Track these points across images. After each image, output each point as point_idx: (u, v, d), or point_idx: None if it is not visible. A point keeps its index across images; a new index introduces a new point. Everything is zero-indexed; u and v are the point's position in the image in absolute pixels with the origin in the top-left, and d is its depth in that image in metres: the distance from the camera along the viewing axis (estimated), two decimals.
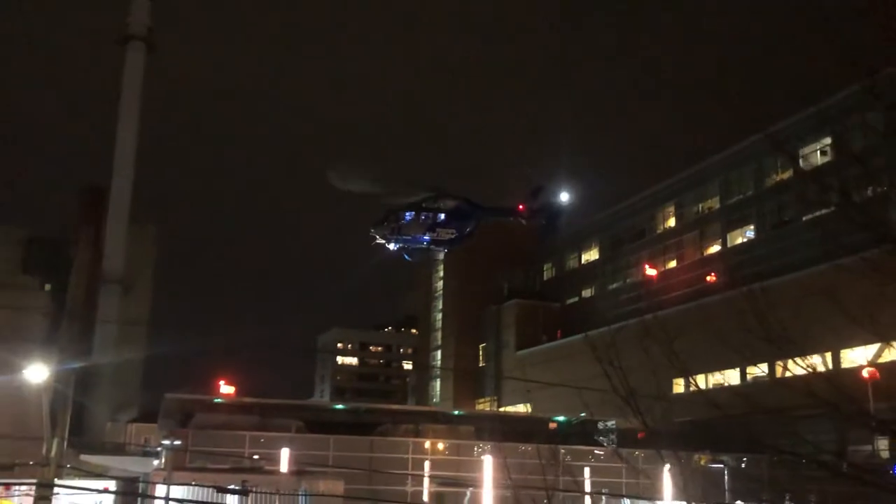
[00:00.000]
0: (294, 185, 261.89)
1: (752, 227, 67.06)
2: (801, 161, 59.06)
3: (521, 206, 35.42)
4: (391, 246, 28.81)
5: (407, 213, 28.64)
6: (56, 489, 12.15)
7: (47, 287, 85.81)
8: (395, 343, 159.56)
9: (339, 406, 67.02)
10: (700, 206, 73.72)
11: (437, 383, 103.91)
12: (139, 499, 46.96)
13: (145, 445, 59.55)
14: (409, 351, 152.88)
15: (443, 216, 29.02)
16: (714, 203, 71.81)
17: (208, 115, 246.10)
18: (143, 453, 55.84)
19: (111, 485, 45.43)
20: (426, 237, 28.58)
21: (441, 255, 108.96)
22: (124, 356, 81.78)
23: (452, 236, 28.96)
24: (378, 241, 28.49)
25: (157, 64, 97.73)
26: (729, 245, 68.74)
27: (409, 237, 28.71)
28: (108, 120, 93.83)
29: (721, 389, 48.72)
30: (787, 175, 63.00)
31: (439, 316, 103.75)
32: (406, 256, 30.30)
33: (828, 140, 49.10)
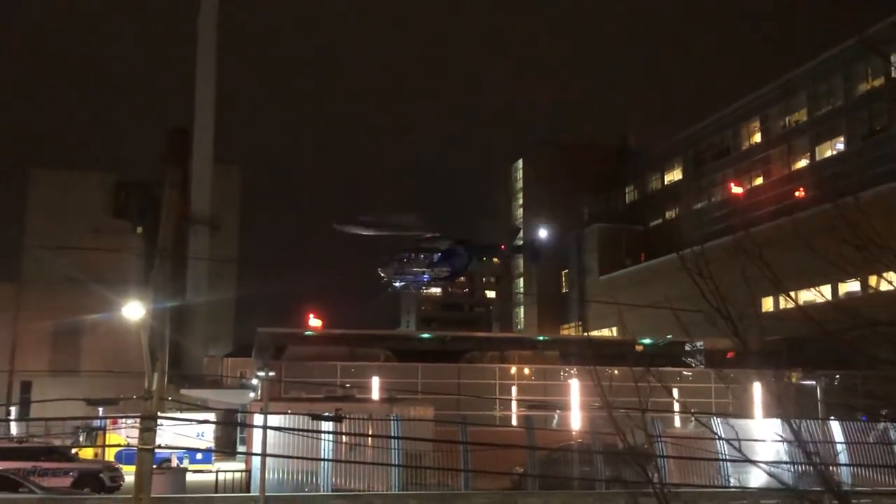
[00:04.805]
0: (375, 126, 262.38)
1: (841, 138, 64.70)
2: (893, 67, 56.56)
3: (503, 246, 46.68)
4: (396, 283, 35.92)
5: (407, 255, 34.81)
6: (159, 421, 12.68)
7: (139, 230, 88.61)
8: (478, 272, 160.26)
9: (426, 335, 66.79)
10: (787, 119, 71.27)
11: (521, 310, 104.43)
12: (238, 428, 48.89)
13: (242, 378, 61.79)
14: (492, 280, 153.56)
15: (438, 256, 35.47)
16: (801, 115, 69.32)
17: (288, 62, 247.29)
18: (240, 386, 57.99)
19: (211, 416, 47.33)
20: (426, 276, 35.38)
21: (520, 184, 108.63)
22: (216, 294, 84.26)
23: (447, 274, 35.59)
24: (385, 280, 35.64)
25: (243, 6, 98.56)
26: (817, 158, 66.57)
27: (412, 276, 35.40)
28: (190, 62, 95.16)
29: (813, 305, 47.80)
30: (878, 83, 60.45)
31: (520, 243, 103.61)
32: (413, 290, 39.44)
33: None
